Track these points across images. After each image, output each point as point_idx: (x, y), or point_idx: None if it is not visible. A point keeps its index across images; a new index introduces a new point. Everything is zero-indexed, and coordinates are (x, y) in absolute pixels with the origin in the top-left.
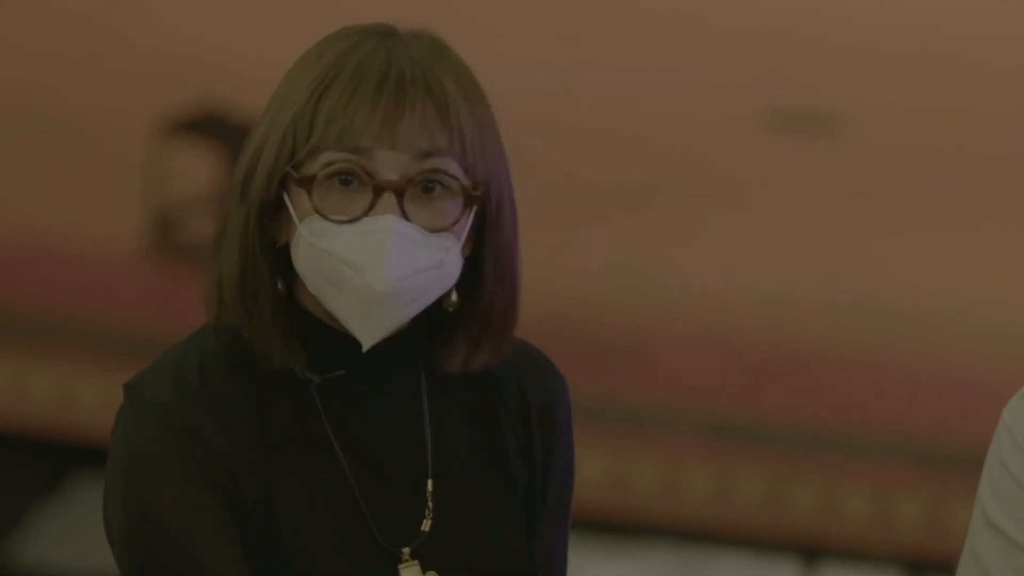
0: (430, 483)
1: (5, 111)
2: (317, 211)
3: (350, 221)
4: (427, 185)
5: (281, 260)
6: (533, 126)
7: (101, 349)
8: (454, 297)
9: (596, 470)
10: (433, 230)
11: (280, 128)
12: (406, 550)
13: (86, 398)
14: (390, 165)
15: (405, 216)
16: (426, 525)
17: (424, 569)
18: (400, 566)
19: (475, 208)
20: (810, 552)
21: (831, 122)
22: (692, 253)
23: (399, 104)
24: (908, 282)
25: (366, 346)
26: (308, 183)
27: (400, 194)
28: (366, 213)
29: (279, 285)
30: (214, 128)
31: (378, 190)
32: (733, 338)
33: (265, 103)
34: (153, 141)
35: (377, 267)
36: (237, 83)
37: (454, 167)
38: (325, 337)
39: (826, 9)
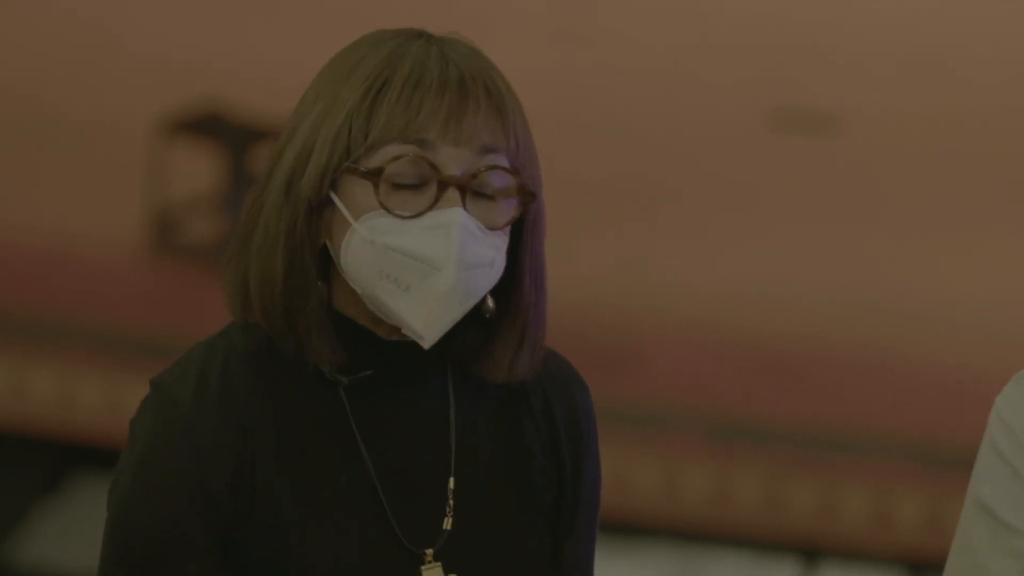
0: (451, 481)
1: (6, 112)
2: (383, 206)
3: (415, 216)
4: (485, 188)
5: (320, 262)
6: (533, 126)
7: (101, 349)
8: (491, 303)
9: None
10: (490, 227)
11: (333, 126)
12: (429, 551)
13: (86, 398)
14: (453, 161)
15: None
16: (447, 523)
17: (446, 571)
18: (423, 567)
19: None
20: (809, 552)
21: (831, 123)
22: (692, 253)
23: (463, 100)
24: (908, 283)
25: (427, 344)
26: (375, 175)
27: (463, 190)
28: (431, 207)
29: (321, 286)
30: (214, 128)
31: (443, 185)
32: (733, 338)
33: (264, 103)
34: (153, 141)
35: (449, 259)
36: (237, 84)
37: (509, 166)
38: (358, 339)
39: (827, 12)
